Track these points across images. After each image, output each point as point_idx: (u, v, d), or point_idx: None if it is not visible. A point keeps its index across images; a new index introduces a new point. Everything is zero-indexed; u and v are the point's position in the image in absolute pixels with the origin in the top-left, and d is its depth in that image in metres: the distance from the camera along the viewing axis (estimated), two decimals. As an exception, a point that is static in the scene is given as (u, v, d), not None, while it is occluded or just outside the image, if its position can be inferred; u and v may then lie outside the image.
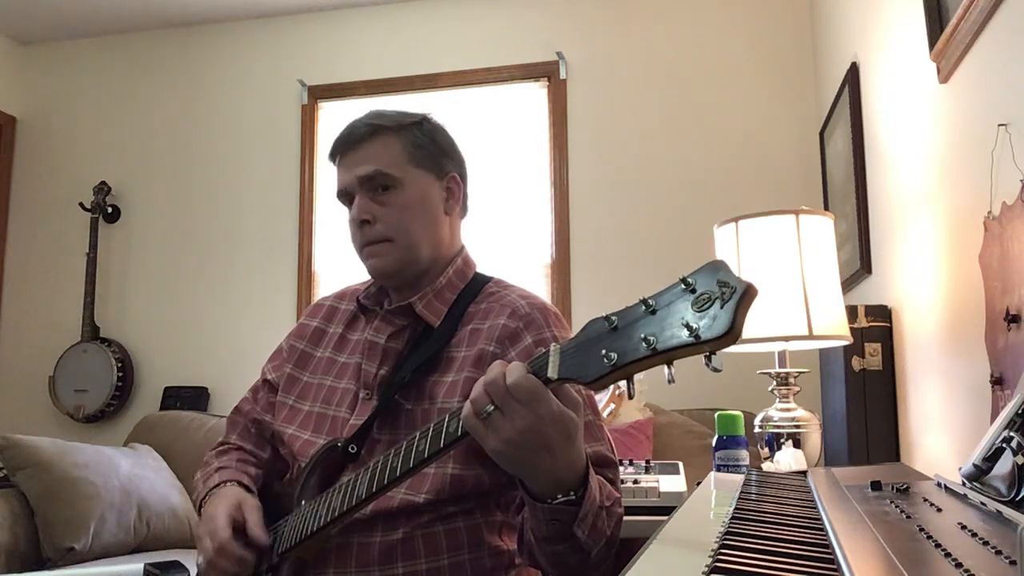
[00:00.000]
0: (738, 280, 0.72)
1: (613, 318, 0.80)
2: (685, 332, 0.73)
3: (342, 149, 1.27)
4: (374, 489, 1.02)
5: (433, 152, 1.28)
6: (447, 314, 1.25)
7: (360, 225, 1.23)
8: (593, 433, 1.14)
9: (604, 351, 0.79)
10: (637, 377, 0.81)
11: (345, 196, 1.27)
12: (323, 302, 1.43)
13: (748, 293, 0.71)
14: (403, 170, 1.24)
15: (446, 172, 1.29)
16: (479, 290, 1.29)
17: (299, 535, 1.11)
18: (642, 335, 0.76)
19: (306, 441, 1.24)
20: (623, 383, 0.81)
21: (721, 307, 0.71)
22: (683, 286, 0.75)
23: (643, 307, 0.78)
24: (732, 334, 0.71)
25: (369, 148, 1.24)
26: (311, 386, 1.31)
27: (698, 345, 0.73)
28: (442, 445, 0.95)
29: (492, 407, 0.87)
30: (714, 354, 0.73)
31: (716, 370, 0.73)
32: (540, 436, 0.88)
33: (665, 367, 0.77)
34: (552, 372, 0.85)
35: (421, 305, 1.24)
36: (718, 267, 0.74)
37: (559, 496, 0.94)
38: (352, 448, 1.17)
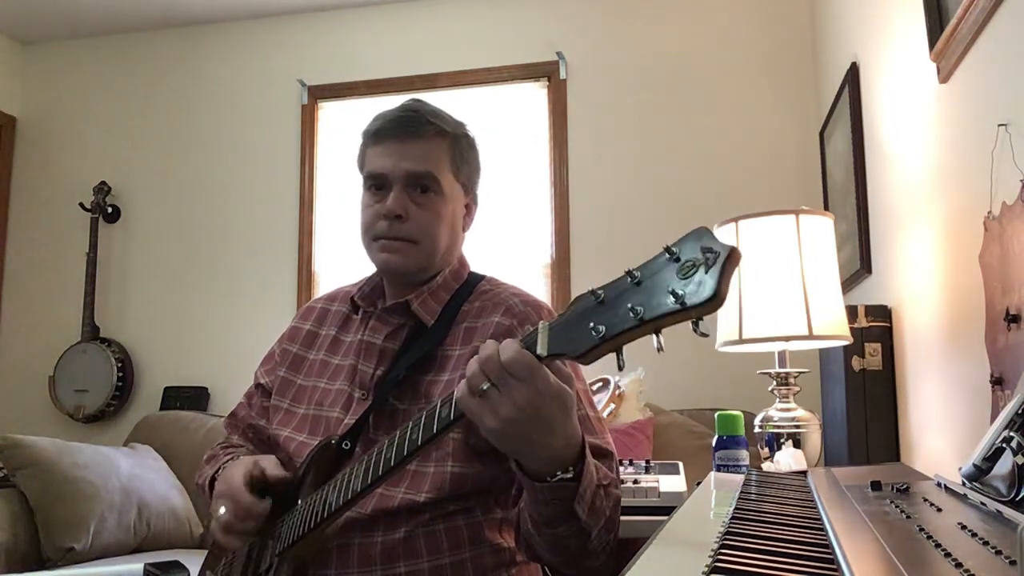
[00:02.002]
0: (722, 245, 0.72)
1: (600, 292, 0.80)
2: (671, 299, 0.73)
3: (395, 134, 1.23)
4: (369, 481, 1.01)
5: (471, 169, 1.30)
6: (441, 313, 1.25)
7: (391, 218, 1.21)
8: (589, 427, 1.13)
9: (592, 324, 0.79)
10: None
11: (377, 181, 1.24)
12: (314, 305, 1.43)
13: (732, 257, 0.71)
14: (447, 178, 1.24)
15: (472, 192, 1.32)
16: (472, 289, 1.29)
17: (297, 532, 1.10)
18: (629, 306, 0.76)
19: (301, 443, 1.24)
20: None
21: (706, 272, 0.71)
22: (667, 255, 0.75)
23: (629, 279, 0.78)
24: (718, 298, 0.71)
25: (425, 145, 1.23)
26: (305, 389, 1.31)
27: (684, 311, 0.73)
28: (435, 431, 0.94)
29: (488, 384, 0.86)
30: (701, 320, 0.73)
31: (703, 335, 0.74)
32: (539, 412, 0.87)
33: (654, 336, 0.77)
34: (541, 349, 0.85)
35: (417, 303, 1.24)
36: (701, 234, 0.74)
37: (557, 473, 0.93)
38: (346, 445, 1.16)
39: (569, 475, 0.94)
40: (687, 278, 0.73)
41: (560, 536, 1.00)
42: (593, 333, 0.79)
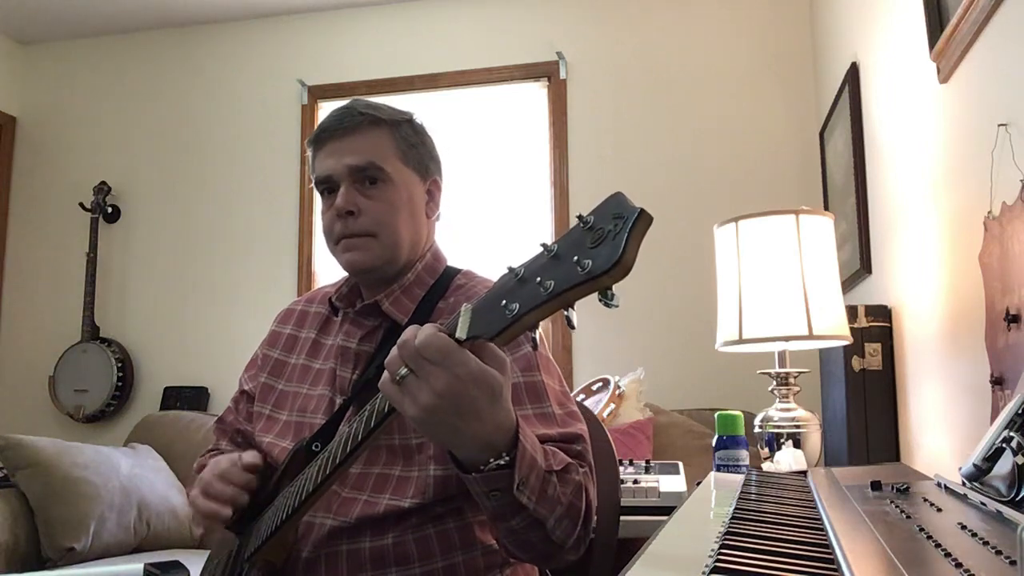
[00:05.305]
0: (631, 208, 0.69)
1: (519, 269, 0.77)
2: (577, 269, 0.70)
3: (331, 135, 1.21)
4: (319, 480, 0.99)
5: (421, 153, 1.26)
6: (416, 311, 1.21)
7: (343, 216, 1.18)
8: (552, 421, 1.11)
9: (505, 303, 0.76)
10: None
11: (326, 184, 1.21)
12: (293, 307, 1.41)
13: (640, 219, 0.68)
14: (394, 166, 1.20)
15: (430, 175, 1.27)
16: (449, 284, 1.26)
17: (262, 536, 1.09)
18: (539, 280, 0.74)
19: (284, 449, 1.21)
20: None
21: (613, 238, 0.69)
22: (582, 225, 0.72)
23: (546, 253, 0.75)
24: (622, 264, 0.68)
25: (362, 138, 1.20)
26: (287, 395, 1.28)
27: (590, 281, 0.70)
28: (373, 424, 0.91)
29: (405, 370, 0.82)
30: (609, 290, 0.70)
31: (613, 306, 0.71)
32: (460, 397, 0.82)
33: (565, 311, 0.74)
34: (461, 332, 0.81)
35: (388, 303, 1.21)
36: (615, 199, 0.71)
37: (491, 461, 0.88)
38: (316, 446, 1.13)
39: (503, 461, 0.89)
40: (596, 246, 0.70)
41: (515, 530, 0.96)
42: (507, 312, 0.76)
